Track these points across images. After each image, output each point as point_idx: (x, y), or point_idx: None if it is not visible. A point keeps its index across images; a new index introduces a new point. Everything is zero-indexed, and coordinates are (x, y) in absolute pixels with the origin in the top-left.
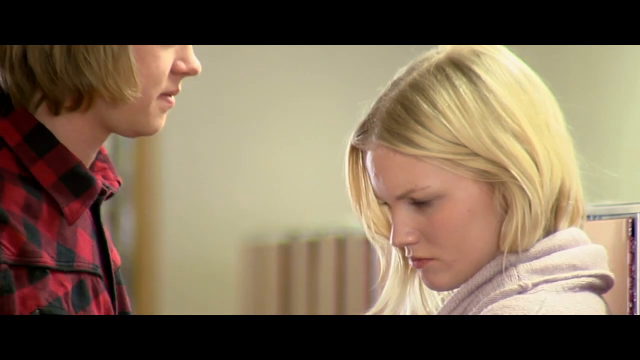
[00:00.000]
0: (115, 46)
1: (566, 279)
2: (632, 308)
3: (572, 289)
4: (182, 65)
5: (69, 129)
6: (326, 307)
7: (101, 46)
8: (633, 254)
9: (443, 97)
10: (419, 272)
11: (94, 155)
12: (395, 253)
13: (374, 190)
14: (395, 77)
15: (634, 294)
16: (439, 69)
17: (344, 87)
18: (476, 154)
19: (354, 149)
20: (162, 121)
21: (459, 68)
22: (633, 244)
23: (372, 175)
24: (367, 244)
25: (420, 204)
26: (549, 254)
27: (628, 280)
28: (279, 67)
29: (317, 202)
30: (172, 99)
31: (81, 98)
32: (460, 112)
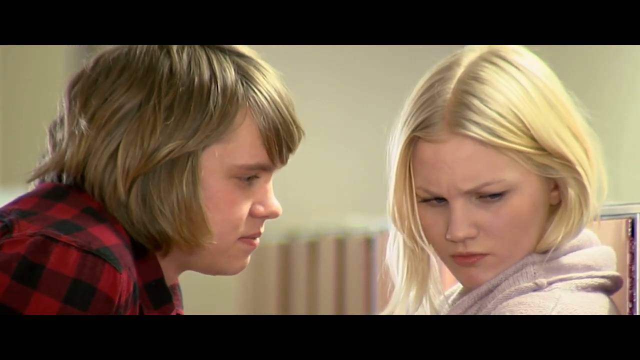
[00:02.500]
0: (187, 196)
1: (580, 278)
2: (632, 308)
3: (585, 288)
4: (261, 209)
5: None
6: (326, 308)
7: (174, 197)
8: (633, 254)
9: (510, 90)
10: (450, 268)
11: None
12: (401, 255)
13: (426, 185)
14: (430, 78)
15: (634, 294)
16: (493, 63)
17: (344, 87)
18: (543, 149)
19: (408, 145)
20: (244, 262)
21: (510, 64)
22: (633, 244)
23: (435, 168)
24: (366, 244)
25: (485, 197)
26: (565, 253)
27: (627, 280)
28: (279, 67)
29: (317, 202)
30: (257, 240)
31: (159, 245)
32: (529, 105)
